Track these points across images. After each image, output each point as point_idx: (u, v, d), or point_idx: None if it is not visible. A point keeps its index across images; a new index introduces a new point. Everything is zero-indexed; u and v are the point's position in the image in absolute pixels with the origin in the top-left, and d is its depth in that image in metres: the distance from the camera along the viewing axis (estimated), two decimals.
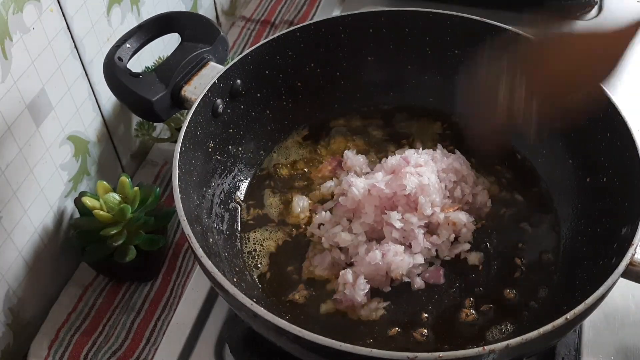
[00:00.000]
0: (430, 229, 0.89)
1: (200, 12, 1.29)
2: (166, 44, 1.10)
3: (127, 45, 0.91)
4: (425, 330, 0.83)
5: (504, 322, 0.84)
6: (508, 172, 0.99)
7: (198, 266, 0.92)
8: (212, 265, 0.73)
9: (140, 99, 0.88)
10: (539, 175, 0.98)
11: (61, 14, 0.91)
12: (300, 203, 0.95)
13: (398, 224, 0.85)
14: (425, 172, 0.88)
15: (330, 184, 0.97)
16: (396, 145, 1.03)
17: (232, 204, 0.95)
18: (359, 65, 1.03)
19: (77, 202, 0.99)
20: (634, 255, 0.73)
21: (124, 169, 1.14)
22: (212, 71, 0.92)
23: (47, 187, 0.95)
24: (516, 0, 0.97)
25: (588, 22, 1.27)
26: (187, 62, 0.91)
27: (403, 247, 0.86)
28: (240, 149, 0.98)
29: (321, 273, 0.88)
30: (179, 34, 0.95)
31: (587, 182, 0.90)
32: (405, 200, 0.87)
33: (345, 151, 1.00)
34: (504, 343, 0.65)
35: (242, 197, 0.97)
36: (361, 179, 0.91)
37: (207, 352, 0.88)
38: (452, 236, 0.89)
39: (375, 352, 0.65)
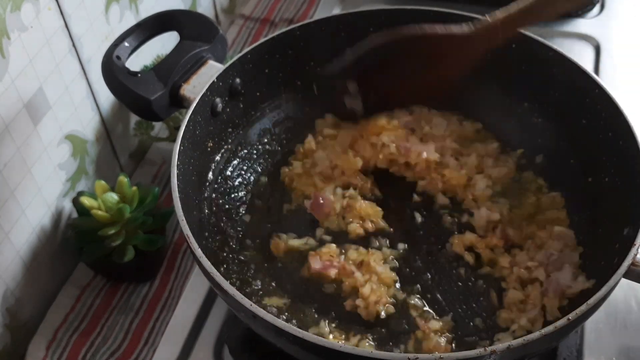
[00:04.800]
0: None
1: (199, 10, 1.29)
2: (165, 43, 1.10)
3: (126, 43, 0.91)
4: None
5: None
6: None
7: (197, 266, 0.91)
8: (211, 266, 0.72)
9: (138, 98, 0.88)
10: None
11: (59, 12, 0.91)
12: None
13: None
14: None
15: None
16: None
17: (232, 203, 0.95)
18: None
19: (75, 201, 0.99)
20: (636, 255, 0.72)
21: (123, 169, 1.13)
22: (211, 70, 0.91)
23: (45, 187, 0.94)
24: None
25: (590, 21, 1.27)
26: (186, 60, 0.90)
27: None
28: (239, 148, 0.97)
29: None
30: (177, 32, 0.95)
31: (588, 182, 0.90)
32: None
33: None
34: (506, 344, 0.65)
35: (242, 197, 0.96)
36: None
37: (205, 353, 0.87)
38: None
39: (375, 353, 0.65)
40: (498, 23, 0.84)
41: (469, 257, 0.88)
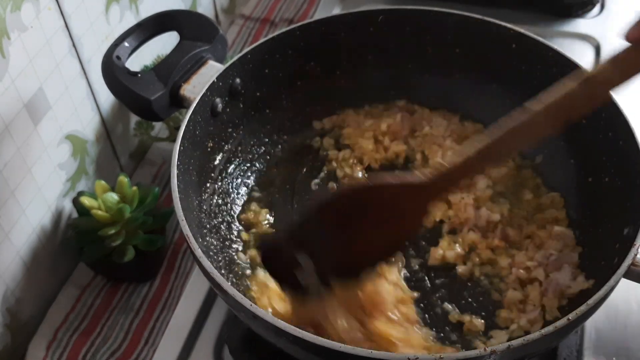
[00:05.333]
0: None
1: (200, 10, 1.29)
2: (165, 43, 1.10)
3: (126, 43, 0.91)
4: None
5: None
6: None
7: (197, 266, 0.91)
8: (210, 266, 0.72)
9: (138, 98, 0.88)
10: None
11: (59, 12, 0.91)
12: None
13: None
14: None
15: None
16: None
17: (232, 203, 0.95)
18: (359, 64, 1.03)
19: (76, 201, 0.99)
20: (636, 255, 0.72)
21: (123, 169, 1.13)
22: (211, 70, 0.91)
23: (45, 187, 0.94)
24: None
25: (590, 21, 1.27)
26: (186, 60, 0.90)
27: None
28: (239, 148, 0.97)
29: None
30: (177, 32, 0.95)
31: (588, 182, 0.90)
32: None
33: None
34: (506, 344, 0.65)
35: (242, 197, 0.96)
36: None
37: (206, 353, 0.87)
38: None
39: (375, 353, 0.64)
40: (456, 169, 0.73)
41: (472, 258, 0.88)
